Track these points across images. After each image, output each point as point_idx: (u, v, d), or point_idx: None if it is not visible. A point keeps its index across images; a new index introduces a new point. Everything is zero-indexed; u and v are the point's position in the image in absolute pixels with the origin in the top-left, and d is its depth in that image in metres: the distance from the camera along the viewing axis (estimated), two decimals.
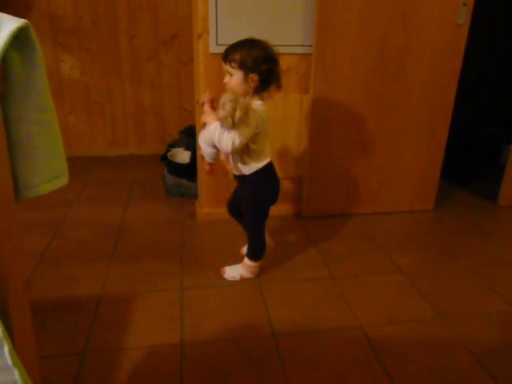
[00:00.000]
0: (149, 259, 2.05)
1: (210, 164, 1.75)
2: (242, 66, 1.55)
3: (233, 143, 1.52)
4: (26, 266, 1.95)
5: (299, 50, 2.23)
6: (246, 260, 1.89)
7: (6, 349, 0.60)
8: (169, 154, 2.84)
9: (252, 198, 1.77)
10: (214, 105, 1.64)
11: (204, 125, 1.65)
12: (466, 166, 3.45)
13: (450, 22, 2.23)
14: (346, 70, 2.23)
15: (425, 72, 2.31)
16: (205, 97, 1.67)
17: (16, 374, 0.61)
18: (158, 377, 1.39)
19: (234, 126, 1.49)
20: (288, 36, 2.20)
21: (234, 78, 1.58)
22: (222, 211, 2.44)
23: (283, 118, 2.33)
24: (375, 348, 1.52)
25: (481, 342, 1.56)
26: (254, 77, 1.56)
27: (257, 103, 1.60)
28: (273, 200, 1.81)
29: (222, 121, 1.50)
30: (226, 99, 1.47)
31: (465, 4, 2.19)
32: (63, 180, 0.69)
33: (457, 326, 1.64)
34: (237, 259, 1.95)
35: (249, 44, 1.57)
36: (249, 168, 1.69)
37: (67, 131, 3.36)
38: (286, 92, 2.28)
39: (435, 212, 2.61)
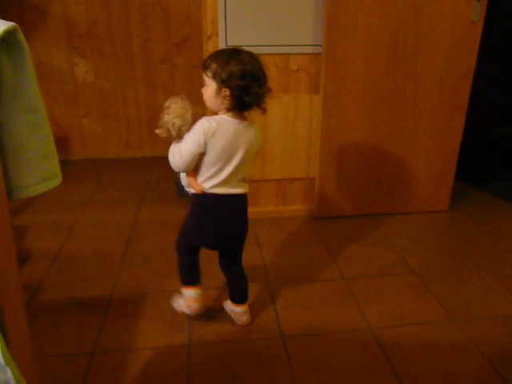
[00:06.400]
0: (159, 260, 2.06)
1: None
2: (216, 76, 1.32)
3: (172, 158, 1.39)
4: (40, 267, 1.99)
5: (309, 50, 2.22)
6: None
7: None
8: None
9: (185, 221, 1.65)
10: None
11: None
12: (482, 165, 3.38)
13: (463, 18, 2.19)
14: (357, 69, 2.21)
15: (438, 70, 2.27)
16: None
17: (9, 373, 0.62)
18: (166, 377, 1.40)
19: (176, 136, 1.37)
20: (298, 36, 2.19)
21: (208, 89, 1.36)
22: None
23: (294, 119, 2.31)
24: (385, 350, 1.50)
25: (494, 345, 1.52)
26: (226, 91, 1.32)
27: (221, 118, 1.37)
28: (203, 239, 1.61)
29: (160, 129, 1.37)
30: (170, 103, 1.36)
31: (478, 0, 2.15)
32: (56, 181, 0.70)
33: (470, 328, 1.60)
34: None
35: (230, 54, 1.33)
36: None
37: (82, 134, 3.41)
38: (296, 92, 2.27)
39: (450, 212, 2.56)
